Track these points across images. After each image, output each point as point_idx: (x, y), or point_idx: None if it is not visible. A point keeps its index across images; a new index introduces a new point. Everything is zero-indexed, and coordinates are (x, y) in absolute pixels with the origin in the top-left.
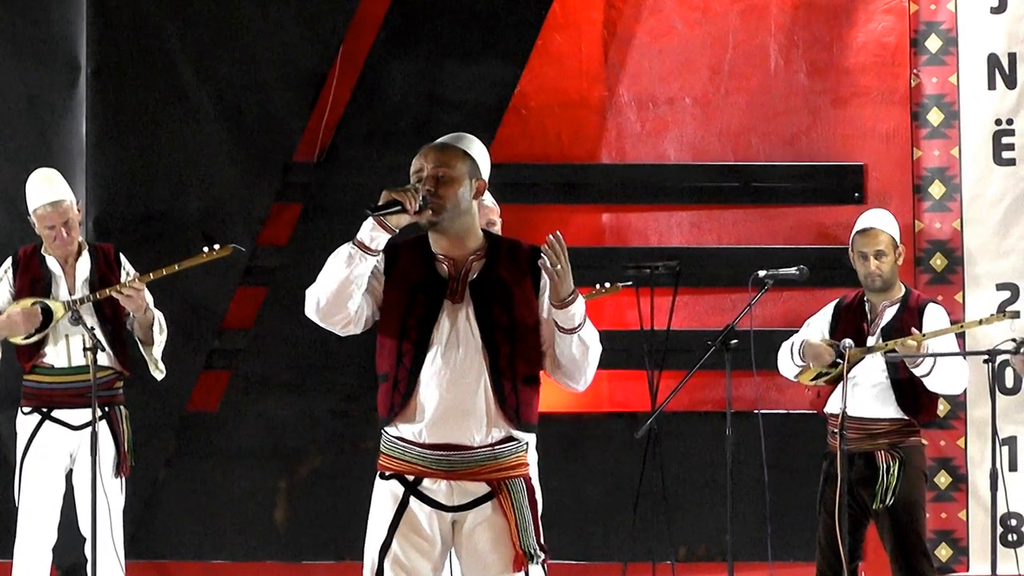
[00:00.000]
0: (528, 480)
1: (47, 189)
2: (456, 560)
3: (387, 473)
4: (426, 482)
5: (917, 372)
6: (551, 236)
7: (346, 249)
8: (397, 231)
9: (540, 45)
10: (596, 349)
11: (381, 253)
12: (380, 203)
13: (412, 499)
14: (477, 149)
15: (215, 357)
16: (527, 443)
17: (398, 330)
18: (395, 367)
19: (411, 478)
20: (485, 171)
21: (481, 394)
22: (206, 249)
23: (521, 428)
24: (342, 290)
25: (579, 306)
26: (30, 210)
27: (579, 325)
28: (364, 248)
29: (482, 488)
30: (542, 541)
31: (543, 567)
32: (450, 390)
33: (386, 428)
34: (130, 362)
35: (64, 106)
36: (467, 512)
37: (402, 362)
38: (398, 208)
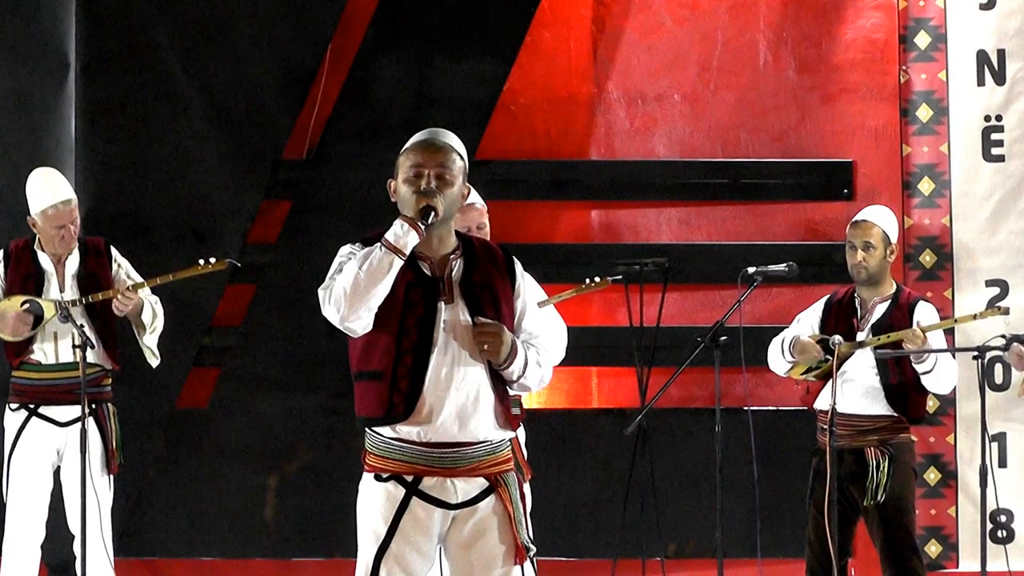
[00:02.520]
0: (517, 474)
1: (56, 189)
2: (444, 556)
3: (384, 475)
4: (426, 480)
5: (920, 368)
6: (478, 325)
7: (379, 254)
8: (425, 235)
9: (529, 42)
10: (539, 382)
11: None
12: (418, 212)
13: (414, 499)
14: (464, 152)
15: (205, 354)
16: (512, 434)
17: (395, 328)
18: (393, 366)
19: (410, 478)
20: None
21: (485, 393)
22: (201, 262)
23: (510, 426)
24: (376, 293)
25: (518, 362)
26: (37, 209)
27: (518, 378)
28: (400, 253)
29: (481, 483)
30: (531, 535)
31: (532, 562)
32: (458, 390)
33: (376, 428)
34: (120, 357)
35: (53, 104)
36: (467, 508)
37: (402, 361)
38: (432, 213)
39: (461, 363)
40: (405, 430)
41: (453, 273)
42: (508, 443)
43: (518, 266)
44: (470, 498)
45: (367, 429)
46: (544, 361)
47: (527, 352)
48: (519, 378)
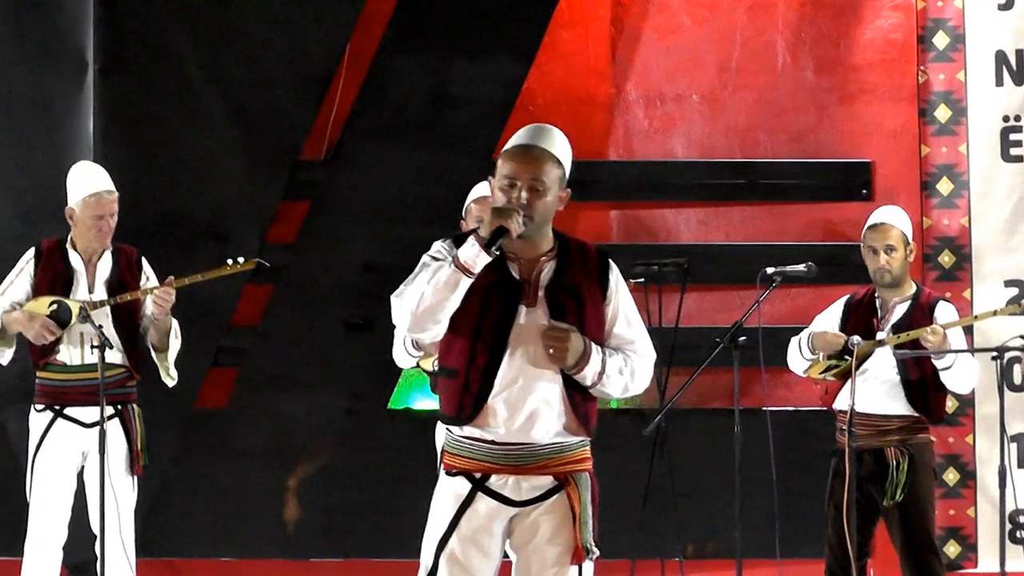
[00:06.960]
0: (592, 475)
1: (100, 178)
2: (510, 552)
3: (453, 471)
4: (493, 478)
5: (939, 365)
6: (548, 328)
7: (448, 271)
8: (498, 253)
9: (547, 42)
10: (622, 389)
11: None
12: (490, 232)
13: (478, 495)
14: (567, 153)
15: (223, 354)
16: (589, 439)
17: (472, 330)
18: (467, 367)
19: (478, 475)
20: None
21: (556, 399)
22: (230, 261)
23: (588, 432)
24: (442, 309)
25: (590, 369)
26: (78, 197)
27: (593, 384)
28: (468, 272)
29: (549, 482)
30: (597, 538)
31: (592, 565)
32: (524, 395)
33: (451, 427)
34: (143, 365)
35: (71, 104)
36: (531, 506)
37: (475, 363)
38: (505, 234)
39: (534, 368)
40: (473, 430)
41: (542, 275)
42: (584, 442)
43: (614, 271)
44: (535, 496)
45: (445, 427)
46: (632, 369)
47: (607, 359)
48: (594, 384)
